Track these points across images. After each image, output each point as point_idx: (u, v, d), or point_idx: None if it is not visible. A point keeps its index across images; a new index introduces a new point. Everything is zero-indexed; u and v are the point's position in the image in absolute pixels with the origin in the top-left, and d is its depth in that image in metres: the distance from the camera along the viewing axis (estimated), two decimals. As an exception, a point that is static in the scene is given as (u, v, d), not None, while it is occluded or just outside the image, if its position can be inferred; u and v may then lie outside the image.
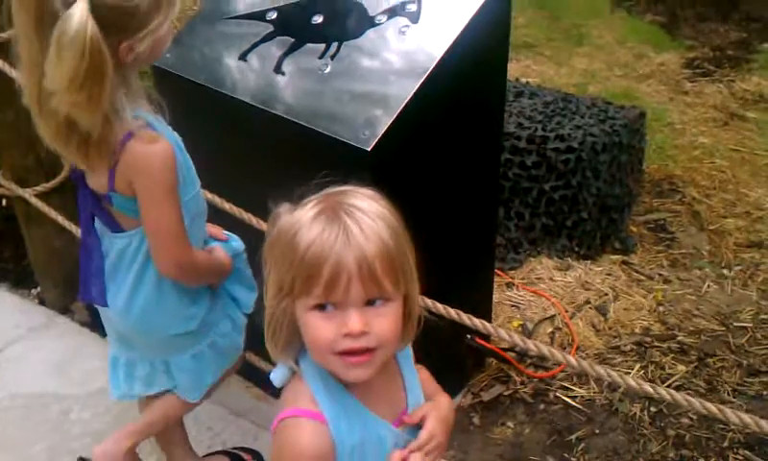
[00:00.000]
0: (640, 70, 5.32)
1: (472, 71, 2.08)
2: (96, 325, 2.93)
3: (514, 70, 5.07)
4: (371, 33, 2.05)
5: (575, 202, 3.33)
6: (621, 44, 5.68)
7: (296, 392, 1.20)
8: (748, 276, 3.32)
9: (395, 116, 1.87)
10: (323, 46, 2.05)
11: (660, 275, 3.35)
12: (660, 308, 3.14)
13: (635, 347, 2.93)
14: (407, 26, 2.02)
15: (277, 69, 2.07)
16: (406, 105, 1.89)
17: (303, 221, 1.12)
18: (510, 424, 2.63)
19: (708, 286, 3.26)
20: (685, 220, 3.76)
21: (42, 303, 3.07)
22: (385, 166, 1.87)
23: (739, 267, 3.37)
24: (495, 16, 2.10)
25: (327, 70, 2.01)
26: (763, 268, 3.36)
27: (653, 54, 5.54)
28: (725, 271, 3.36)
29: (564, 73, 5.28)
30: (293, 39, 2.11)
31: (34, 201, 2.72)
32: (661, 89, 5.05)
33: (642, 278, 3.33)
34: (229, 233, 1.93)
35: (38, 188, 2.75)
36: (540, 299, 3.17)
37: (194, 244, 1.72)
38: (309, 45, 2.08)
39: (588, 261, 3.39)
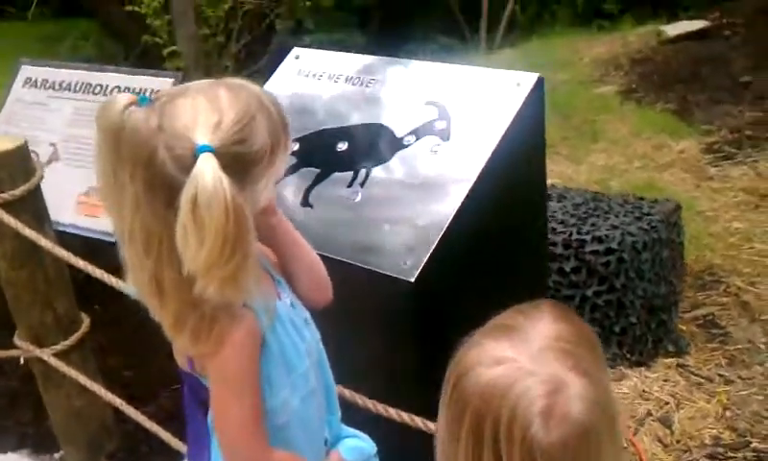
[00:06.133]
0: (661, 160, 5.19)
1: (511, 182, 1.96)
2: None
3: (533, 172, 4.96)
4: (400, 155, 1.93)
5: (621, 306, 3.14)
6: (637, 136, 5.58)
7: None
8: (815, 367, 3.09)
9: (436, 242, 1.73)
10: (350, 174, 1.93)
11: (720, 375, 3.13)
12: (728, 413, 2.91)
13: (708, 460, 2.69)
14: (438, 145, 1.91)
15: (305, 202, 1.94)
16: (447, 228, 1.75)
17: None
18: None
19: (774, 383, 3.04)
20: (735, 312, 3.55)
21: (65, 467, 2.87)
22: (430, 295, 1.73)
23: (803, 357, 3.15)
24: (530, 121, 1.99)
25: (358, 199, 1.89)
26: (832, 357, 3.14)
27: (671, 142, 5.42)
28: (788, 363, 3.14)
29: (583, 170, 5.17)
30: (318, 170, 1.99)
31: (53, 361, 2.57)
32: (685, 177, 4.91)
33: (702, 380, 3.11)
34: (357, 432, 1.62)
35: (57, 347, 2.59)
36: (597, 414, 2.94)
37: (307, 429, 1.46)
38: (336, 174, 1.96)
39: (642, 368, 3.18)
